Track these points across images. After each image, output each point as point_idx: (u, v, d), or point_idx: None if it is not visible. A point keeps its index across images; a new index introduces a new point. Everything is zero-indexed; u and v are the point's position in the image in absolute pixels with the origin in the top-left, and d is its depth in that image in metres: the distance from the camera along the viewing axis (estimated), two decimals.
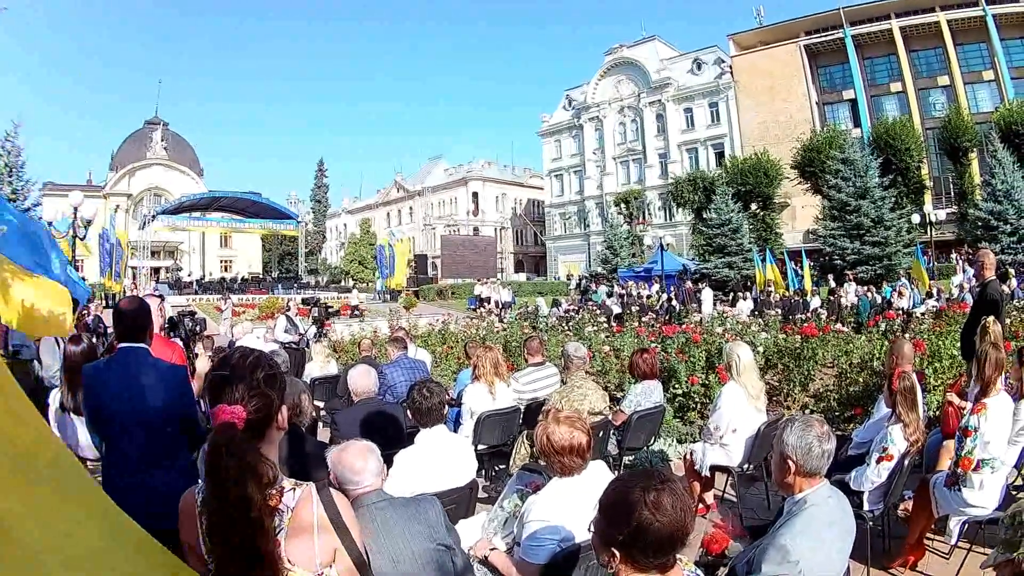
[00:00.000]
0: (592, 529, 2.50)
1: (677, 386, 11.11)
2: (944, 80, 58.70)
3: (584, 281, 50.63)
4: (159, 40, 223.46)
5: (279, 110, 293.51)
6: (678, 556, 2.45)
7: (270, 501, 2.33)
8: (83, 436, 5.94)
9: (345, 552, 2.53)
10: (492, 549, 4.32)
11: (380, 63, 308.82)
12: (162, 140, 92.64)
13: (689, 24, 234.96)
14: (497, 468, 8.18)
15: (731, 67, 68.43)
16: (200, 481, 2.47)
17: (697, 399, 10.98)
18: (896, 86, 60.85)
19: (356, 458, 3.44)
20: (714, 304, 32.20)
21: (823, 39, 63.92)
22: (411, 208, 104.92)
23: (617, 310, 30.07)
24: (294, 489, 2.49)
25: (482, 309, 34.06)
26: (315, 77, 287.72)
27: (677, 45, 77.29)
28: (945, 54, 58.22)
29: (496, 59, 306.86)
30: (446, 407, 5.55)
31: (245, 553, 2.19)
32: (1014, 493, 5.62)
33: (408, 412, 5.31)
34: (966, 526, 5.41)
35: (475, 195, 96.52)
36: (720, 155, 66.84)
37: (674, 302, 32.44)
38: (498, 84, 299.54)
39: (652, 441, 8.73)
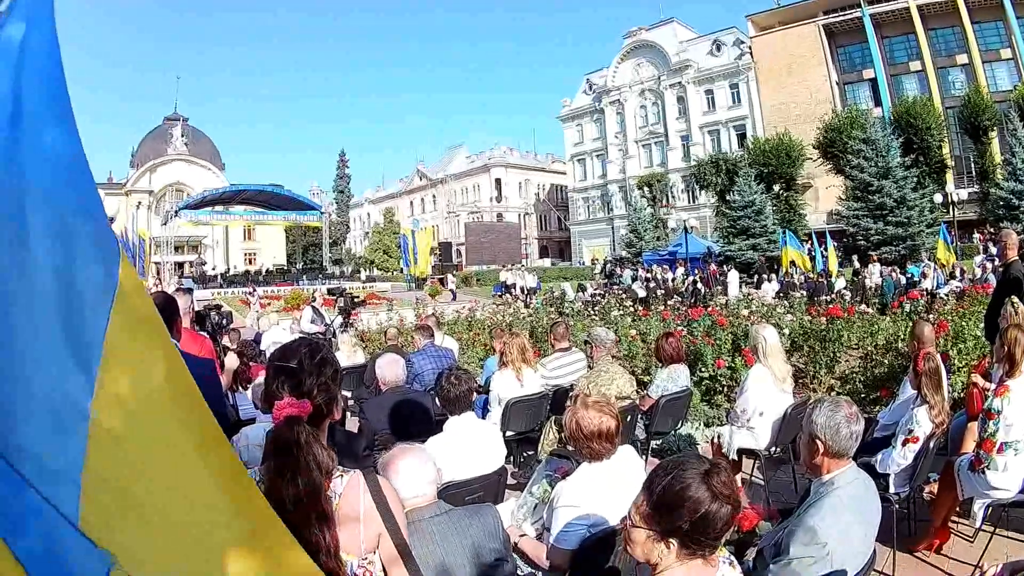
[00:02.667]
0: (638, 523, 2.46)
1: (704, 369, 11.09)
2: (963, 59, 58.13)
3: (609, 265, 50.41)
4: (176, 36, 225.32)
5: (298, 103, 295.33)
6: None
7: (325, 488, 2.38)
8: None
9: (389, 538, 2.55)
10: (522, 535, 4.36)
11: (399, 52, 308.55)
12: (182, 136, 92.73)
13: (707, 5, 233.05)
14: (525, 454, 8.20)
15: (750, 48, 67.96)
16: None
17: (724, 382, 10.96)
18: (915, 65, 60.32)
19: (411, 469, 3.38)
20: (739, 286, 32.09)
21: (841, 18, 63.34)
22: (434, 196, 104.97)
23: (642, 294, 30.01)
24: (341, 476, 2.53)
25: (508, 295, 34.00)
26: (333, 68, 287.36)
27: (695, 27, 77.02)
28: (963, 32, 57.62)
29: (516, 45, 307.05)
30: (474, 394, 5.57)
31: (309, 542, 2.20)
32: None
33: (437, 400, 5.31)
34: (990, 509, 5.37)
35: (498, 181, 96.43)
36: (742, 137, 66.45)
37: (699, 285, 32.36)
38: (519, 70, 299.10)
39: (679, 425, 8.73)
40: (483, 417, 7.59)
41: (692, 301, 25.14)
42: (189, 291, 7.61)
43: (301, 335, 15.86)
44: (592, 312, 19.31)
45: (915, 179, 46.25)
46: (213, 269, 65.16)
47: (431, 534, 3.25)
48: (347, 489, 2.51)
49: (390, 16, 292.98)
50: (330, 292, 27.84)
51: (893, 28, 61.49)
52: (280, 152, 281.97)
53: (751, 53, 67.64)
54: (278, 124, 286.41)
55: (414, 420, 6.35)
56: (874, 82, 61.84)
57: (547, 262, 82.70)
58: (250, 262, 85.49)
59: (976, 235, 42.34)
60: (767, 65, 66.27)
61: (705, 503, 2.29)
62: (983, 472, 5.22)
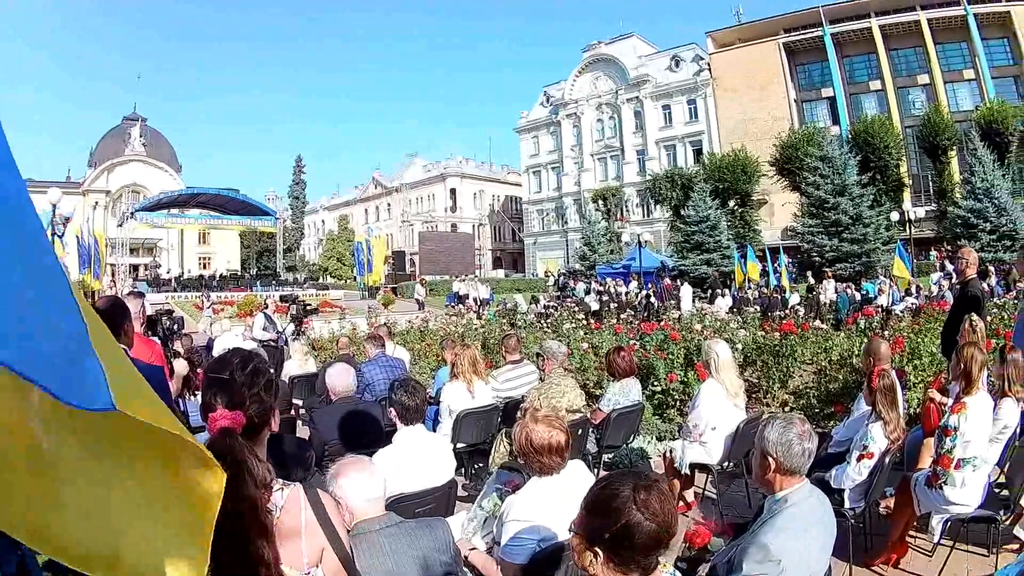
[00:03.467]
0: (574, 528, 2.49)
1: (656, 383, 11.09)
2: (924, 79, 59.19)
3: (562, 278, 50.67)
4: (138, 34, 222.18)
5: (257, 108, 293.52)
6: (659, 559, 2.44)
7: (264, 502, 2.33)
8: None
9: (332, 552, 2.53)
10: (472, 549, 4.33)
11: (357, 59, 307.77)
12: (141, 136, 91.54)
13: (668, 22, 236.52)
14: (476, 466, 8.17)
15: (709, 64, 68.70)
16: None
17: (676, 396, 10.98)
18: (875, 84, 61.34)
19: (360, 481, 3.37)
20: (693, 301, 32.27)
21: (802, 37, 64.32)
22: (389, 205, 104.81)
23: (595, 307, 30.10)
24: (282, 489, 2.52)
25: (460, 306, 33.99)
26: (292, 73, 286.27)
27: (655, 42, 77.82)
28: (925, 53, 58.70)
29: (475, 56, 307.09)
30: (427, 406, 5.55)
31: (248, 557, 2.19)
32: (997, 491, 5.66)
33: (391, 410, 5.27)
34: (949, 524, 5.44)
35: (453, 191, 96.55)
36: (698, 152, 67.11)
37: (652, 299, 32.51)
38: (477, 81, 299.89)
39: (631, 439, 8.73)
40: (433, 429, 7.58)
41: (645, 315, 25.23)
42: (141, 295, 7.51)
43: (253, 342, 15.83)
44: (544, 324, 19.32)
45: (872, 197, 46.94)
46: (168, 272, 64.42)
47: (380, 546, 3.24)
48: (288, 503, 2.50)
49: (350, 23, 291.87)
50: (283, 299, 27.75)
51: (854, 47, 62.52)
52: (237, 155, 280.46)
53: (710, 69, 68.39)
54: (236, 126, 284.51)
55: (364, 431, 6.32)
56: (832, 100, 62.81)
57: (500, 273, 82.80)
58: (204, 266, 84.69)
59: (933, 253, 43.20)
60: (726, 82, 67.01)
61: (627, 515, 2.29)
62: (940, 488, 5.30)
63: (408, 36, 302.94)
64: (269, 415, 2.64)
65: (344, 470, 3.40)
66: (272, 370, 2.77)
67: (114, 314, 4.40)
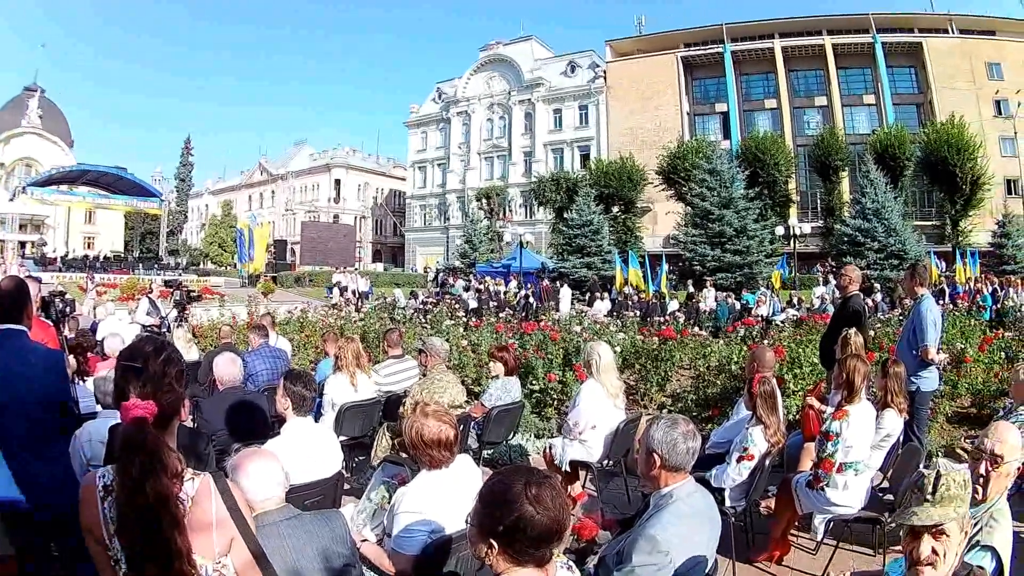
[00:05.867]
0: (470, 520, 2.57)
1: (535, 382, 11.26)
2: (822, 101, 61.75)
3: (441, 274, 50.48)
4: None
5: (147, 83, 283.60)
6: (553, 551, 2.51)
7: (175, 492, 2.35)
8: None
9: (243, 543, 2.54)
10: (363, 541, 4.36)
11: (255, 41, 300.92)
12: (38, 108, 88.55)
13: (571, 28, 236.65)
14: (357, 459, 8.21)
15: (605, 72, 69.86)
16: (90, 467, 2.47)
17: (554, 395, 11.17)
18: (771, 103, 63.45)
19: (261, 472, 3.37)
20: (572, 303, 32.44)
21: (702, 52, 66.22)
22: (273, 192, 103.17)
23: (474, 304, 30.11)
24: (192, 479, 2.50)
25: (340, 298, 33.68)
26: (185, 51, 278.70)
27: (555, 47, 78.79)
28: (826, 76, 61.24)
29: (371, 47, 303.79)
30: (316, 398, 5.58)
31: (162, 547, 2.22)
32: (880, 495, 5.96)
33: (284, 400, 5.24)
34: (831, 524, 5.69)
35: (337, 182, 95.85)
36: (585, 157, 68.10)
37: (532, 299, 32.63)
38: (373, 72, 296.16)
39: (511, 436, 8.86)
40: (316, 421, 7.59)
41: (524, 315, 25.39)
42: (38, 280, 7.35)
43: (136, 326, 15.52)
44: (423, 320, 19.31)
45: (758, 211, 47.81)
46: (54, 251, 62.33)
47: (281, 537, 3.26)
48: (199, 493, 2.49)
49: (249, 8, 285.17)
50: (167, 284, 27.16)
51: (754, 66, 64.55)
52: (126, 132, 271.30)
53: (605, 77, 69.55)
54: (128, 103, 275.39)
55: (251, 421, 6.30)
56: (726, 115, 64.69)
57: (380, 267, 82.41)
58: (89, 246, 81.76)
59: (817, 267, 44.29)
60: (620, 90, 68.35)
61: (519, 508, 2.35)
62: (822, 490, 5.55)
63: (307, 22, 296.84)
64: (180, 405, 2.66)
65: (245, 461, 3.41)
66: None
67: (19, 295, 4.32)
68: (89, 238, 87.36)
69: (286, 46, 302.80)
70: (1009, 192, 55.27)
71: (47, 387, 4.09)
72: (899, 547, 3.01)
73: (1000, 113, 57.27)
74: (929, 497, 2.72)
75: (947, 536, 2.70)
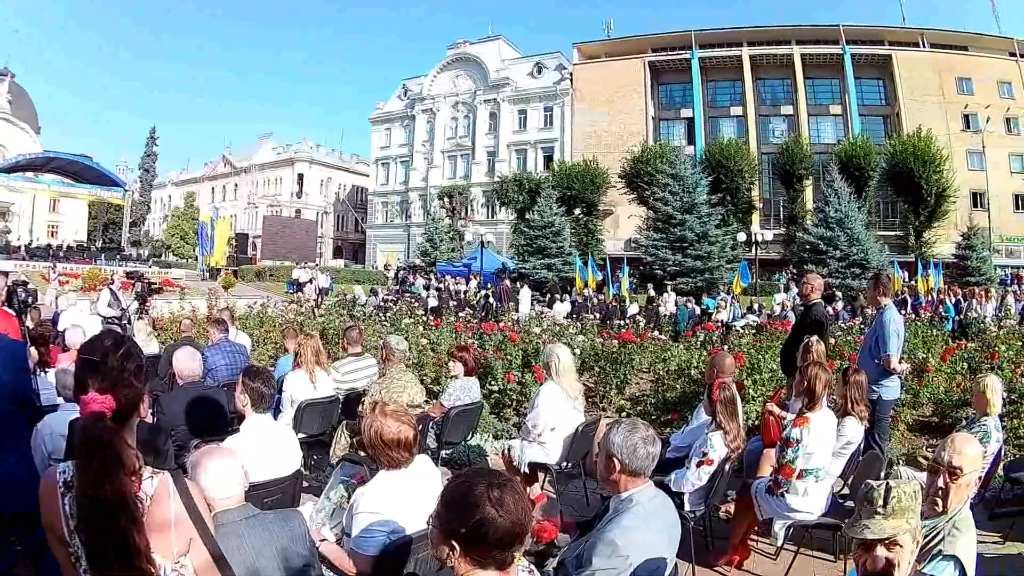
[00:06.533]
0: (432, 522, 2.56)
1: (494, 383, 11.31)
2: (788, 110, 62.34)
3: (402, 272, 50.25)
4: None
5: (117, 69, 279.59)
6: (515, 554, 2.53)
7: (134, 490, 2.34)
8: None
9: (202, 543, 2.55)
10: (323, 540, 4.36)
11: (225, 34, 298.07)
12: (7, 93, 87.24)
13: (538, 30, 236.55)
14: (316, 457, 8.20)
15: (571, 74, 69.99)
16: (51, 462, 2.46)
17: (513, 396, 11.24)
18: (737, 110, 63.94)
19: (221, 470, 3.34)
20: (532, 304, 32.45)
21: (669, 58, 66.41)
22: (236, 185, 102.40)
23: (434, 303, 30.07)
24: (151, 477, 2.50)
25: (300, 294, 33.50)
26: (155, 38, 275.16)
27: (522, 48, 78.87)
28: (793, 86, 61.77)
29: (339, 43, 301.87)
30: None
31: (121, 546, 2.20)
32: (840, 501, 6.03)
33: (243, 397, 5.21)
34: (791, 529, 5.79)
35: (301, 177, 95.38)
36: (549, 159, 68.22)
37: (491, 299, 32.63)
38: (339, 67, 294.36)
39: (470, 436, 8.86)
40: (275, 418, 7.56)
41: (484, 315, 25.40)
42: (5, 274, 7.27)
43: (98, 318, 15.38)
44: (383, 317, 19.26)
45: (720, 217, 48.06)
46: (18, 239, 61.43)
47: (241, 537, 3.24)
48: (157, 492, 2.50)
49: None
50: (128, 275, 26.92)
51: (720, 73, 64.97)
52: (95, 119, 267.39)
53: (571, 79, 69.62)
54: (95, 89, 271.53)
55: (211, 417, 6.25)
56: (691, 121, 64.96)
57: (340, 263, 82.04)
58: (53, 235, 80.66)
59: (784, 274, 44.55)
60: (586, 93, 68.50)
61: (481, 511, 2.36)
62: (782, 496, 5.60)
63: (276, 16, 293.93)
64: (139, 401, 2.64)
65: (205, 459, 3.38)
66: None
67: None
68: (53, 227, 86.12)
69: (254, 39, 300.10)
70: (975, 205, 55.85)
71: (10, 379, 4.05)
72: None
73: (968, 127, 58.00)
74: (880, 510, 2.77)
75: (900, 547, 2.76)
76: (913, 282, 35.78)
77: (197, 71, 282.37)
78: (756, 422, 8.54)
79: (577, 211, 55.91)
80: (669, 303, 31.29)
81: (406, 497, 4.00)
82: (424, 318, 17.77)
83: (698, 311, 29.29)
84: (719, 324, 21.93)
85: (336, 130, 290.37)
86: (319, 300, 30.17)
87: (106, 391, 2.42)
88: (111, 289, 18.14)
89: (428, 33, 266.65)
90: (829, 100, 62.68)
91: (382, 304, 27.62)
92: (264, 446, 5.02)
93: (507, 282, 38.27)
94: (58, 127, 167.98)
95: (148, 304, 20.87)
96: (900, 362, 7.83)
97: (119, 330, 15.07)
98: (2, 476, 3.29)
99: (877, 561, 2.76)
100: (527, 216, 53.49)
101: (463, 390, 8.15)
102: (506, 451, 7.43)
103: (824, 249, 44.18)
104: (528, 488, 7.18)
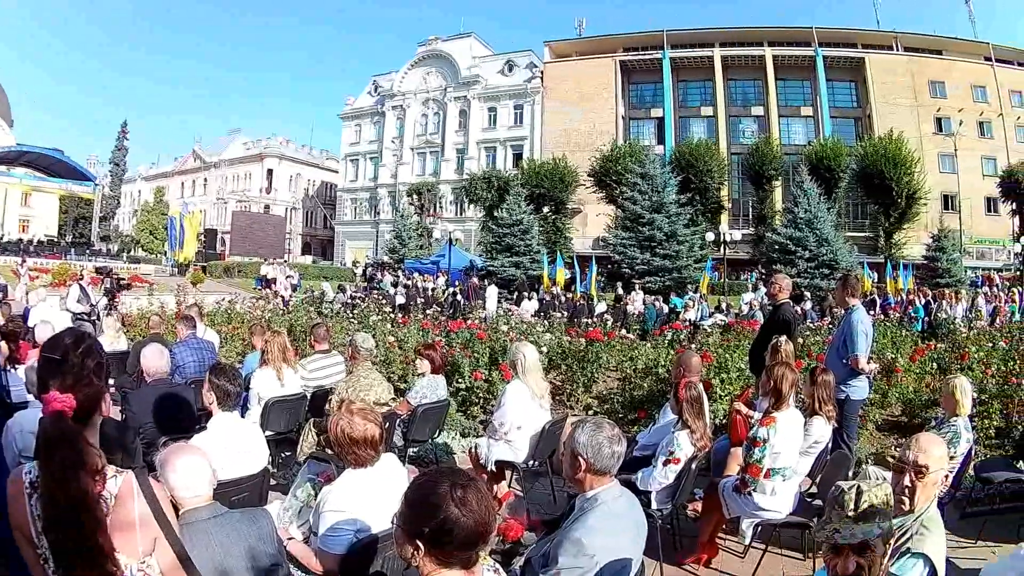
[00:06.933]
0: (396, 521, 2.58)
1: (460, 381, 11.29)
2: (759, 111, 62.79)
3: (370, 269, 50.03)
4: None
5: (88, 66, 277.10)
6: (480, 553, 2.55)
7: (98, 489, 2.36)
8: None
9: (167, 543, 2.57)
10: (290, 538, 4.39)
11: (201, 26, 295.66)
12: None
13: (510, 28, 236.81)
14: (283, 455, 8.18)
15: (542, 73, 70.11)
16: (22, 459, 2.47)
17: (480, 394, 11.25)
18: (707, 111, 64.34)
19: (190, 468, 3.33)
20: (499, 302, 32.42)
21: (640, 57, 66.65)
22: (206, 180, 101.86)
23: (401, 300, 30.04)
24: (115, 476, 2.53)
25: (268, 290, 33.30)
26: (126, 27, 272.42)
27: (494, 46, 78.92)
28: (764, 87, 62.13)
29: (310, 37, 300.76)
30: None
31: (84, 545, 2.22)
32: (808, 500, 6.11)
33: (209, 394, 5.22)
34: (759, 528, 5.82)
35: (270, 172, 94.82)
36: (518, 156, 68.31)
37: (459, 297, 32.62)
38: (308, 63, 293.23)
39: (436, 434, 8.90)
40: (242, 415, 7.56)
41: (451, 312, 25.39)
42: None
43: (67, 314, 15.29)
44: (351, 314, 19.21)
45: (689, 216, 48.15)
46: None
47: (209, 535, 3.24)
48: (122, 492, 2.52)
49: None
50: (98, 271, 26.73)
51: (691, 73, 65.29)
52: (67, 114, 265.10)
53: (542, 78, 69.73)
54: (67, 83, 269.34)
55: (179, 415, 6.26)
56: (661, 121, 65.13)
57: (309, 259, 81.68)
58: (23, 229, 80.00)
59: (753, 274, 44.93)
60: (556, 91, 68.67)
61: (445, 511, 2.36)
62: (750, 495, 5.65)
63: (248, 6, 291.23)
64: (100, 399, 2.64)
65: (173, 457, 3.37)
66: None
67: None
68: (24, 221, 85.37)
69: (224, 31, 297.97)
70: (946, 207, 56.51)
71: None
72: None
73: (941, 130, 58.73)
74: (851, 513, 2.84)
75: (871, 549, 2.83)
76: (882, 283, 36.07)
77: (170, 61, 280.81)
78: (724, 421, 8.65)
79: (546, 209, 55.86)
80: (637, 302, 31.30)
81: (373, 495, 4.02)
82: (392, 315, 17.75)
83: (666, 310, 29.33)
84: (687, 323, 22.01)
85: (305, 126, 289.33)
86: (287, 297, 30.04)
87: (67, 389, 2.43)
88: (80, 285, 18.06)
89: (398, 29, 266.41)
90: (800, 102, 63.25)
91: (350, 301, 27.51)
92: (231, 444, 5.02)
93: (475, 280, 38.27)
94: (32, 123, 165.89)
95: (117, 300, 20.72)
96: (868, 362, 7.92)
97: (89, 326, 15.02)
98: None
99: (849, 565, 2.83)
100: (496, 214, 53.38)
101: (430, 388, 8.17)
102: (473, 449, 7.44)
103: (793, 249, 44.36)
104: (495, 486, 7.22)
